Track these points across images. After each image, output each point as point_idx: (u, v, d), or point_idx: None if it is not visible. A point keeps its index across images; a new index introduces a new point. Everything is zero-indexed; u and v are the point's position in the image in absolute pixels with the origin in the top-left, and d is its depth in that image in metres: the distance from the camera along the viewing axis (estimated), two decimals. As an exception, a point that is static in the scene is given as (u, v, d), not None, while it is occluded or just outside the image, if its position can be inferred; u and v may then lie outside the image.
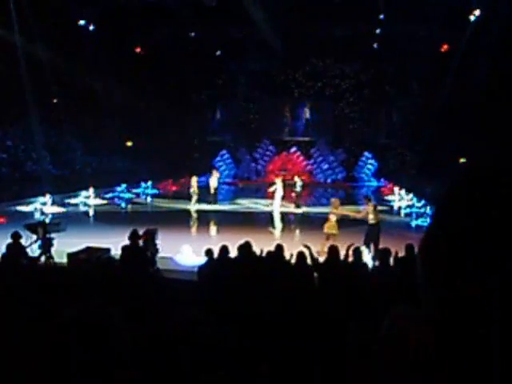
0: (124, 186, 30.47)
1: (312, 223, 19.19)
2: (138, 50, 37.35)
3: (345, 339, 5.21)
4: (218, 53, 39.08)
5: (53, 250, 11.89)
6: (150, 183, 32.55)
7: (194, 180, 25.00)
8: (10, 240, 10.25)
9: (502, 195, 0.65)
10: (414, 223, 20.71)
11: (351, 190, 34.92)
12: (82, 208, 24.48)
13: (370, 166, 40.63)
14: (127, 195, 29.26)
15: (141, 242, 10.23)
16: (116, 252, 10.59)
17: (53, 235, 12.22)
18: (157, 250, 10.99)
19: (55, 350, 1.54)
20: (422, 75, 37.06)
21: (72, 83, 30.24)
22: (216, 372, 2.20)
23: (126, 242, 9.81)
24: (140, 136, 36.81)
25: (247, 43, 35.69)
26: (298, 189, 24.49)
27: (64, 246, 12.17)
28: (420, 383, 1.73)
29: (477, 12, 27.64)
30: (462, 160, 25.80)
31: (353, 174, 41.06)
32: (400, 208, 25.35)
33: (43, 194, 23.55)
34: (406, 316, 1.94)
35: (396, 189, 29.23)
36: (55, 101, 31.50)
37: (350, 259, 9.32)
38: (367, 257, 11.07)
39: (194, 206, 24.16)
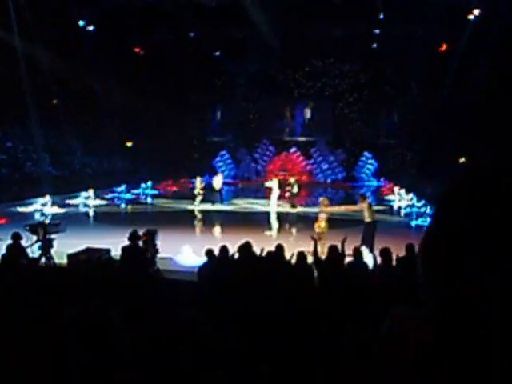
0: (124, 186, 30.47)
1: (308, 223, 19.19)
2: (138, 50, 37.35)
3: (344, 339, 5.21)
4: (218, 53, 39.08)
5: (53, 250, 11.89)
6: (149, 184, 32.56)
7: (199, 181, 25.05)
8: (10, 241, 10.27)
9: (502, 195, 0.65)
10: (414, 223, 20.69)
11: (351, 190, 34.89)
12: (82, 209, 24.47)
13: (369, 166, 40.64)
14: (127, 196, 29.26)
15: (141, 243, 10.23)
16: (116, 253, 10.58)
17: (53, 236, 12.22)
18: (156, 251, 11.00)
19: (55, 351, 1.54)
20: (421, 75, 37.05)
21: (71, 84, 30.24)
22: (216, 372, 2.20)
23: (126, 242, 9.81)
24: (140, 136, 36.82)
25: (247, 43, 35.66)
26: (293, 189, 24.45)
27: (64, 247, 12.17)
28: (420, 383, 1.73)
29: (476, 12, 27.63)
30: (462, 160, 25.79)
31: (353, 173, 41.07)
32: (400, 208, 25.34)
33: (43, 195, 23.54)
34: (406, 316, 1.94)
35: (396, 189, 29.22)
36: (55, 102, 31.51)
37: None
38: (368, 256, 11.05)
39: (197, 206, 24.18)
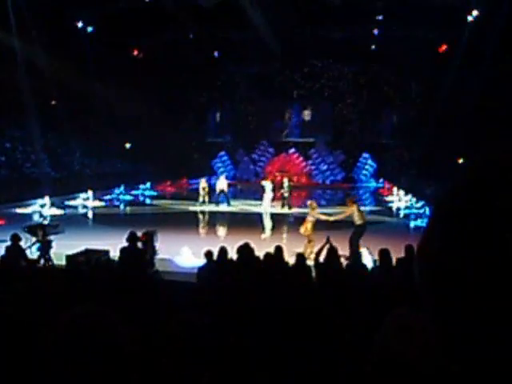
0: (123, 187, 30.49)
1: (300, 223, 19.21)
2: (137, 51, 37.38)
3: (343, 340, 5.20)
4: (217, 54, 39.13)
5: (51, 252, 11.88)
6: (148, 185, 32.59)
7: (203, 181, 25.12)
8: (9, 242, 10.27)
9: (502, 196, 0.64)
10: (413, 224, 20.71)
11: (350, 191, 34.90)
12: (81, 210, 24.47)
13: (368, 167, 40.70)
14: (126, 197, 29.28)
15: (140, 244, 10.22)
16: (115, 254, 10.58)
17: (51, 237, 12.21)
18: (155, 252, 10.98)
19: (53, 353, 1.53)
20: (420, 76, 37.19)
21: (70, 85, 30.22)
22: (214, 374, 2.20)
23: (125, 243, 9.80)
24: (138, 138, 36.84)
25: (246, 45, 35.73)
26: (286, 190, 24.44)
27: (63, 248, 12.16)
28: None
29: (475, 12, 27.68)
30: (461, 161, 25.81)
31: (352, 174, 41.11)
32: (399, 209, 25.36)
33: (42, 196, 23.54)
34: (406, 317, 1.94)
35: (395, 189, 29.26)
36: (54, 103, 31.52)
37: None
38: (367, 258, 11.04)
39: (201, 207, 24.24)
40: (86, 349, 1.53)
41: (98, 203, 25.99)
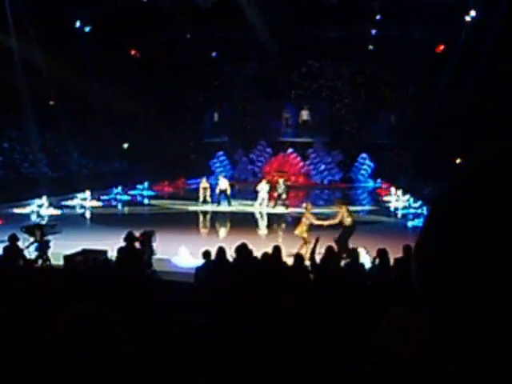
0: (120, 187, 30.48)
1: (296, 224, 19.24)
2: (134, 51, 37.34)
3: (341, 340, 5.21)
4: (214, 54, 39.11)
5: (49, 252, 11.87)
6: (146, 185, 32.57)
7: (204, 181, 25.19)
8: (6, 242, 10.27)
9: (500, 196, 0.64)
10: (410, 224, 20.72)
11: (348, 191, 34.93)
12: (79, 210, 24.44)
13: (366, 167, 40.70)
14: (124, 197, 29.26)
15: (137, 244, 10.22)
16: (112, 254, 10.57)
17: (49, 237, 12.20)
18: (153, 252, 10.99)
19: (51, 353, 1.53)
20: (417, 76, 37.17)
21: (68, 85, 30.19)
22: (212, 374, 2.20)
23: (123, 243, 9.81)
24: (136, 138, 36.80)
25: (243, 45, 35.73)
26: (281, 191, 24.46)
27: (60, 249, 12.15)
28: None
29: (472, 12, 27.70)
30: (458, 160, 25.83)
31: (349, 174, 41.10)
32: (397, 209, 25.38)
33: (40, 196, 23.52)
34: (403, 317, 1.94)
35: (393, 189, 29.28)
36: (51, 103, 31.48)
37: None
38: (365, 257, 11.06)
39: (201, 207, 24.28)
40: (83, 348, 1.53)
41: (95, 203, 25.97)
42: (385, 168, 38.91)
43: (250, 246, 9.51)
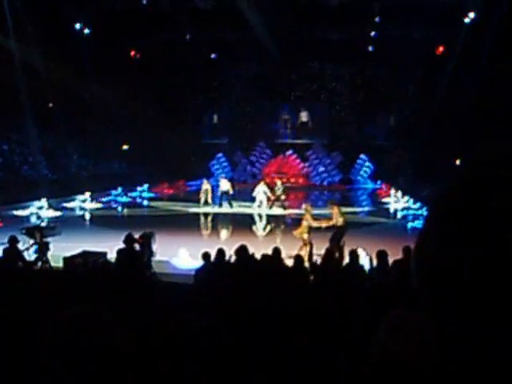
0: (120, 189, 30.46)
1: (296, 225, 19.26)
2: (133, 53, 37.38)
3: (341, 341, 5.21)
4: (214, 56, 39.14)
5: (49, 254, 11.86)
6: (146, 186, 32.56)
7: (206, 183, 25.21)
8: (6, 244, 10.27)
9: (499, 196, 0.64)
10: (410, 225, 20.72)
11: (347, 193, 34.94)
12: (79, 212, 24.43)
13: (366, 169, 40.69)
14: (124, 199, 29.24)
15: (137, 246, 10.21)
16: (112, 256, 10.57)
17: (49, 239, 12.20)
18: (152, 254, 10.97)
19: (50, 354, 1.53)
20: (417, 77, 37.22)
21: (67, 87, 30.21)
22: (212, 375, 2.20)
23: (122, 245, 9.80)
24: (136, 139, 36.80)
25: (243, 46, 35.76)
26: (279, 192, 24.47)
27: (60, 250, 12.15)
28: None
29: (471, 14, 27.74)
30: (458, 162, 25.84)
31: (349, 176, 41.09)
32: (396, 210, 25.38)
33: (39, 198, 23.51)
34: (403, 318, 1.94)
35: (392, 191, 29.27)
36: (51, 105, 31.49)
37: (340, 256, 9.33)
38: (364, 259, 11.05)
39: (203, 209, 24.29)
40: (82, 349, 1.52)
41: (95, 205, 25.95)
42: (384, 169, 38.92)
43: (250, 248, 9.51)
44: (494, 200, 0.64)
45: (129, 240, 9.87)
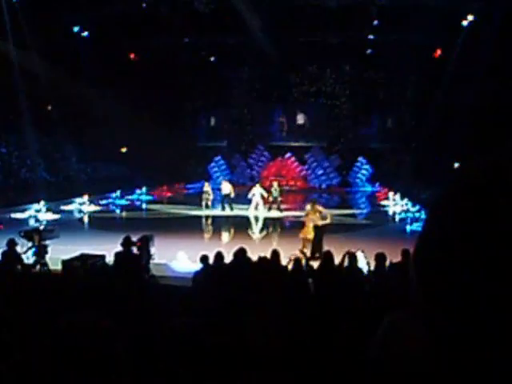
0: (118, 192, 30.44)
1: (293, 227, 19.28)
2: (132, 56, 37.39)
3: (340, 342, 5.20)
4: (213, 59, 39.16)
5: (47, 257, 11.85)
6: (144, 189, 32.54)
7: (207, 185, 25.26)
8: (5, 247, 10.26)
9: (502, 200, 0.64)
10: (409, 228, 20.72)
11: (346, 195, 34.96)
12: (77, 215, 24.41)
13: (364, 171, 40.69)
14: (122, 201, 29.23)
15: (135, 249, 10.20)
16: (110, 258, 10.56)
17: (47, 242, 12.18)
18: (150, 257, 10.96)
19: (50, 357, 1.53)
20: (415, 80, 37.25)
21: (66, 90, 30.19)
22: (210, 377, 2.20)
23: (120, 248, 9.79)
24: (134, 142, 36.75)
25: (242, 49, 35.79)
26: (276, 194, 24.51)
27: (59, 253, 12.14)
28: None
29: (470, 17, 27.77)
30: (457, 165, 25.83)
31: (347, 179, 41.09)
32: (395, 213, 25.38)
33: (38, 201, 23.48)
34: (401, 321, 1.94)
35: (391, 194, 29.28)
36: (49, 108, 31.47)
37: (341, 262, 9.29)
38: (363, 261, 11.05)
39: (200, 211, 24.31)
40: (81, 353, 1.52)
41: (93, 208, 25.94)
42: (383, 172, 38.91)
43: (248, 251, 9.51)
44: (494, 203, 0.64)
45: (126, 243, 9.87)
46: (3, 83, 26.59)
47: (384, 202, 28.79)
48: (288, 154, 42.00)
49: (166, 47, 35.60)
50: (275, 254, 9.49)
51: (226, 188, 24.75)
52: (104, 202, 28.43)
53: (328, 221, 14.12)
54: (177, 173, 37.92)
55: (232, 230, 20.85)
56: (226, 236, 19.68)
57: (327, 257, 9.09)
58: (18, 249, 10.63)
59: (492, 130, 22.52)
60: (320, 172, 41.10)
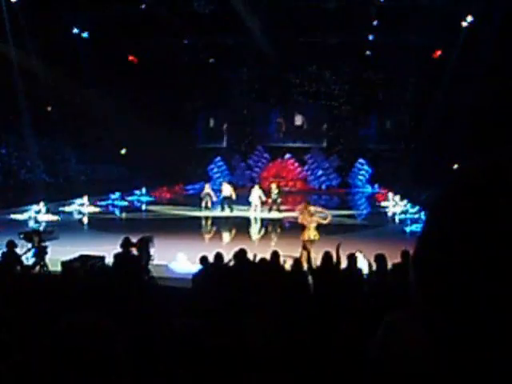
0: (118, 193, 30.43)
1: (293, 228, 19.27)
2: (132, 57, 37.40)
3: (339, 343, 5.20)
4: (212, 60, 39.17)
5: (47, 258, 11.85)
6: (144, 190, 32.54)
7: (207, 186, 25.30)
8: (4, 249, 10.26)
9: (496, 203, 0.64)
10: (408, 229, 20.72)
11: (346, 196, 34.96)
12: (77, 216, 24.40)
13: (364, 172, 40.70)
14: (122, 203, 29.22)
15: (134, 251, 10.19)
16: (110, 260, 10.55)
17: (46, 243, 12.17)
18: (150, 258, 10.95)
19: (49, 359, 1.53)
20: (415, 81, 37.27)
21: (65, 91, 30.20)
22: (210, 379, 2.20)
23: (120, 249, 9.79)
24: (134, 143, 36.76)
25: (241, 50, 35.81)
26: (274, 196, 24.55)
27: (58, 254, 12.12)
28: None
29: (469, 18, 27.78)
30: (456, 166, 25.81)
31: (347, 180, 41.11)
32: (394, 214, 25.38)
33: (37, 202, 23.46)
34: (400, 322, 1.94)
35: (390, 195, 29.28)
36: (49, 109, 31.46)
37: (337, 259, 9.27)
38: (362, 262, 11.03)
39: (200, 212, 24.33)
40: (81, 354, 1.52)
41: (93, 209, 25.93)
42: (382, 173, 38.93)
43: (248, 251, 9.51)
44: (494, 204, 0.64)
45: (126, 244, 9.86)
46: (3, 84, 26.59)
47: (384, 203, 28.79)
48: (287, 155, 42.02)
49: (165, 48, 35.62)
50: (275, 255, 9.49)
51: (227, 190, 24.76)
52: (103, 203, 28.41)
53: (325, 221, 14.07)
54: (176, 174, 37.92)
55: (232, 231, 20.83)
56: (225, 237, 19.68)
57: (326, 257, 9.08)
58: (18, 250, 10.63)
59: (492, 131, 22.54)
60: (320, 173, 41.12)
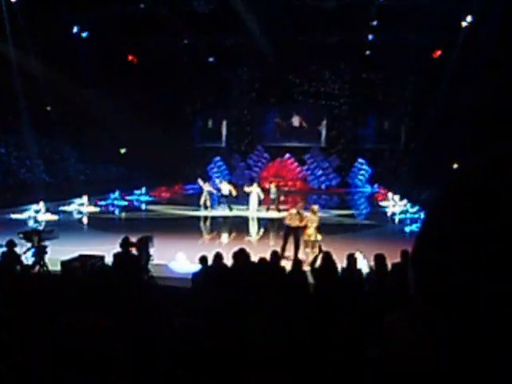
0: (118, 193, 30.43)
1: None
2: (131, 57, 37.40)
3: (339, 344, 5.20)
4: (212, 60, 39.18)
5: (46, 257, 11.84)
6: (143, 190, 32.54)
7: (207, 185, 25.39)
8: (4, 248, 10.26)
9: (495, 202, 0.64)
10: (408, 229, 20.73)
11: (345, 196, 34.97)
12: (76, 215, 24.39)
13: (363, 172, 40.72)
14: (121, 202, 29.21)
15: (134, 250, 10.19)
16: (109, 259, 10.55)
17: (46, 243, 12.17)
18: (149, 257, 10.95)
19: (49, 358, 1.53)
20: (414, 81, 37.28)
21: (65, 90, 30.19)
22: (210, 379, 2.19)
23: (119, 249, 9.79)
24: (133, 143, 36.76)
25: (240, 50, 35.81)
26: (273, 196, 24.59)
27: (58, 254, 12.12)
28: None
29: (469, 18, 27.77)
30: (455, 165, 25.83)
31: (347, 179, 41.13)
32: (394, 214, 25.38)
33: (37, 202, 23.46)
34: (400, 322, 1.94)
35: (390, 194, 29.28)
36: (48, 108, 31.45)
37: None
38: (362, 262, 11.04)
39: (199, 212, 24.33)
40: (80, 354, 1.52)
41: (92, 209, 25.92)
42: (382, 173, 38.96)
43: (250, 252, 9.51)
44: (493, 202, 0.64)
45: (125, 244, 9.86)
46: (2, 83, 26.58)
47: (383, 203, 28.80)
48: (287, 155, 42.02)
49: (164, 48, 35.62)
50: (275, 255, 9.49)
51: (225, 189, 24.78)
52: (103, 202, 28.41)
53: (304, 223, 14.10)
54: (176, 173, 37.94)
55: (231, 231, 20.83)
56: (225, 236, 19.67)
57: (326, 257, 9.09)
58: (18, 250, 10.63)
59: (491, 131, 22.51)
60: (319, 173, 41.15)
